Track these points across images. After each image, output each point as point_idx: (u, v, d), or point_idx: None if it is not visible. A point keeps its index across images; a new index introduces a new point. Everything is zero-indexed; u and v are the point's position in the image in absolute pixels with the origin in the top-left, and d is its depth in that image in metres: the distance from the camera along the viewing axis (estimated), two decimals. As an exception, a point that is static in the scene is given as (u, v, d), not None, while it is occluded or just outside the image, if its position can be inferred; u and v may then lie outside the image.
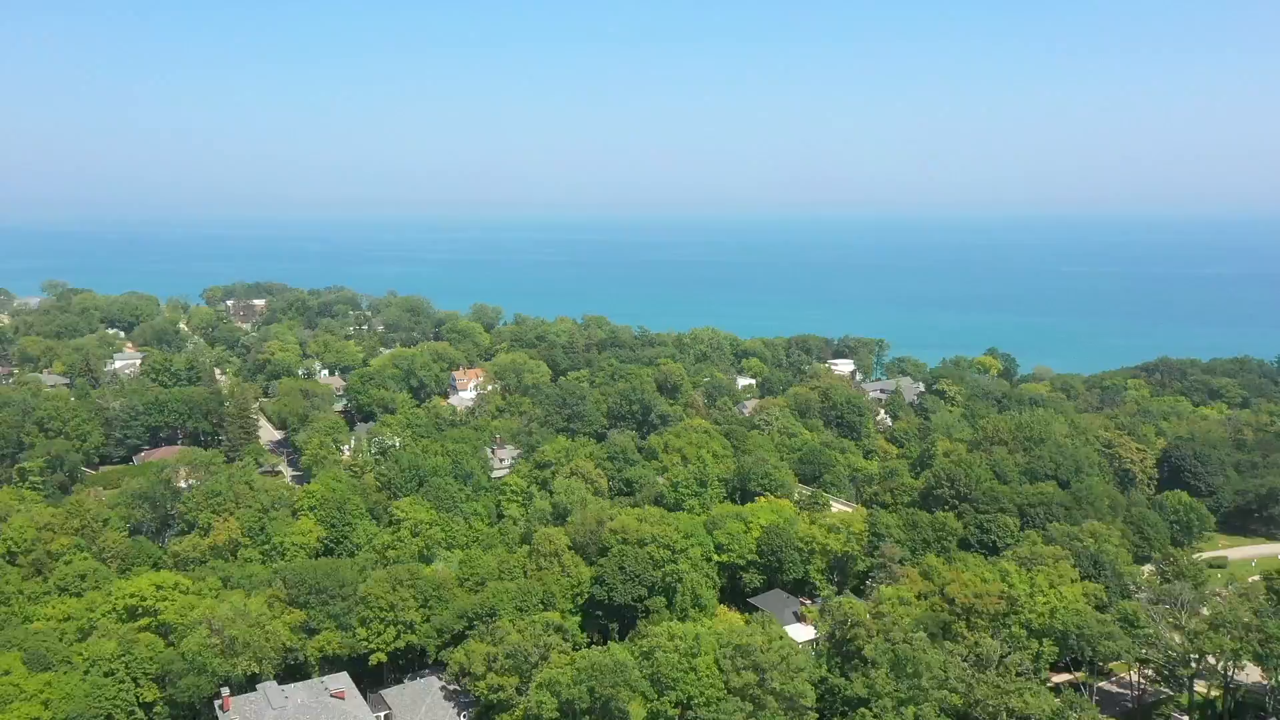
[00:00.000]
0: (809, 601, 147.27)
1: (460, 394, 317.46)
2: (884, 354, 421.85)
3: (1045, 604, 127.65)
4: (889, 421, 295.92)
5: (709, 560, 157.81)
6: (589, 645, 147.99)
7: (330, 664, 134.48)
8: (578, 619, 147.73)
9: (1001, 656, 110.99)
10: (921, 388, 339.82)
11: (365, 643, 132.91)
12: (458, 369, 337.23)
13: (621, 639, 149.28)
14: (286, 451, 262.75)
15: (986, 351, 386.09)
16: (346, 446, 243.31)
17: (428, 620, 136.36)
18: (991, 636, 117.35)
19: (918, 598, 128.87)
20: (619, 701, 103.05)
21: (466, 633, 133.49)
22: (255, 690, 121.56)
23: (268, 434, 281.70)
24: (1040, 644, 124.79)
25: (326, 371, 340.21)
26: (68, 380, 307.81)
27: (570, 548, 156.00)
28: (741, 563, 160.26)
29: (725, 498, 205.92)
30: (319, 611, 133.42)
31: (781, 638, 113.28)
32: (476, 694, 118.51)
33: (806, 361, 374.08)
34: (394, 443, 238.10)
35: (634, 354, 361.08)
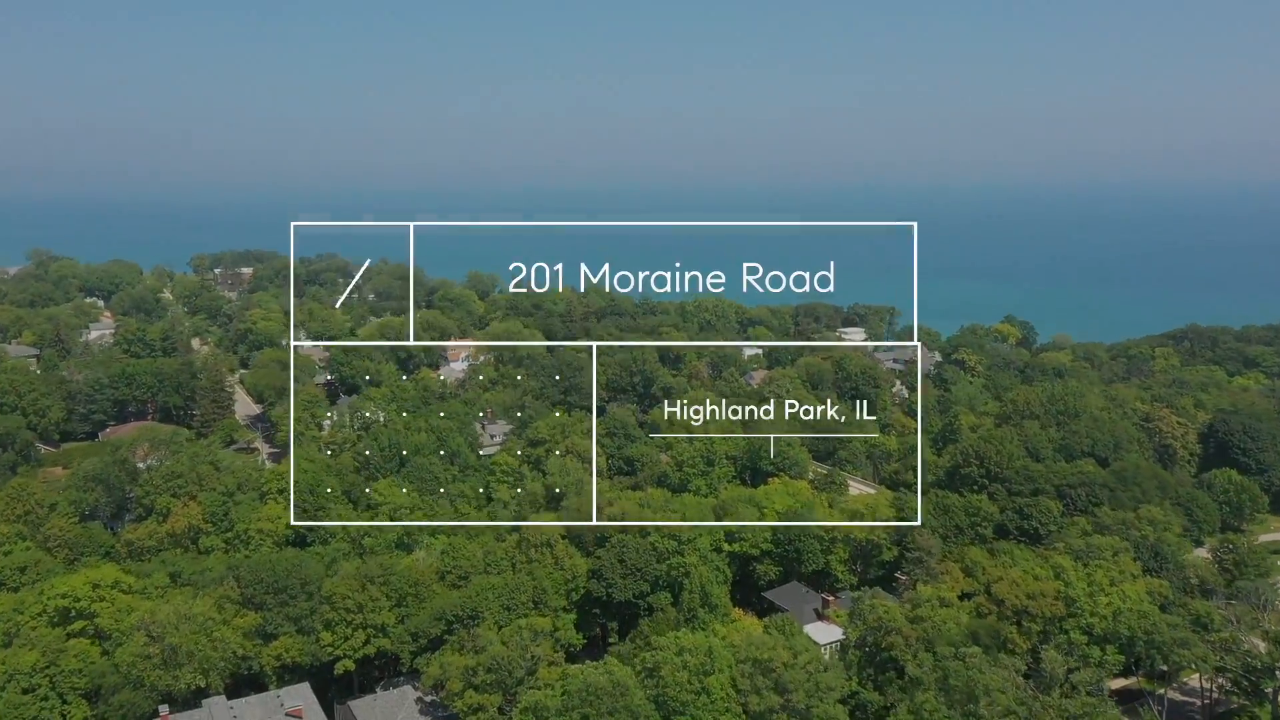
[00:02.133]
0: (832, 598, 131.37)
1: (451, 365, 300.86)
2: (895, 322, 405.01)
3: (1108, 605, 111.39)
4: (905, 394, 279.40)
5: (719, 551, 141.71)
6: (584, 645, 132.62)
7: (292, 673, 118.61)
8: (572, 617, 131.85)
9: (1068, 672, 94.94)
10: (938, 357, 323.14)
11: (330, 649, 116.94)
12: (449, 339, 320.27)
13: (622, 638, 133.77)
14: (264, 427, 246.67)
15: (1003, 319, 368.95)
16: (327, 421, 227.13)
17: (402, 622, 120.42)
18: (1054, 647, 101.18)
19: (960, 598, 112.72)
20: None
21: (445, 637, 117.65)
22: (200, 707, 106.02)
23: (247, 408, 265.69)
24: (1103, 652, 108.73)
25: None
26: (37, 351, 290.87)
27: (564, 537, 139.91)
28: (755, 553, 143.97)
29: (734, 477, 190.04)
30: (277, 613, 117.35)
31: (807, 650, 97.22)
32: (454, 710, 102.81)
33: (815, 330, 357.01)
34: (378, 417, 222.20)
35: (635, 323, 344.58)
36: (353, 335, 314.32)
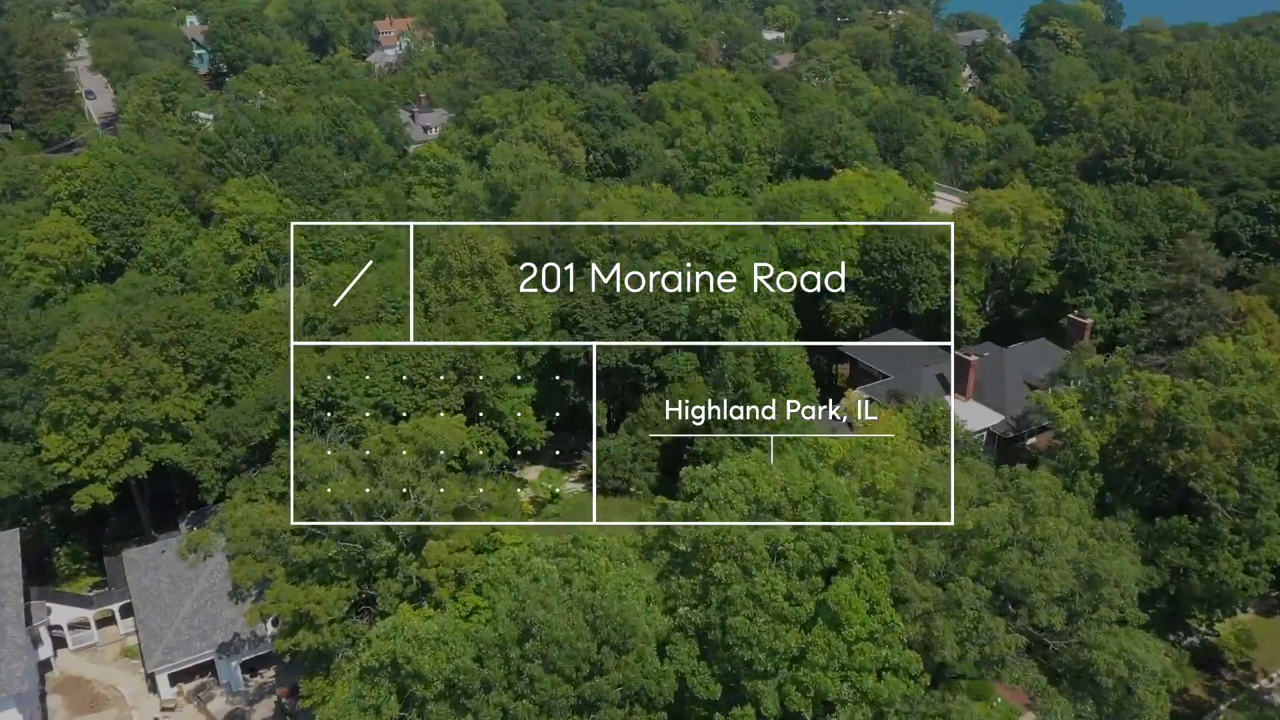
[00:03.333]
0: (974, 357, 76.58)
1: (384, 51, 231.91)
2: (942, 7, 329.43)
3: None
4: (977, 80, 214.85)
5: (772, 280, 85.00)
6: (551, 437, 79.81)
7: (4, 506, 64.89)
8: (529, 392, 77.46)
9: None
10: (1009, 39, 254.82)
11: (62, 465, 62.14)
12: (383, 19, 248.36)
13: (614, 428, 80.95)
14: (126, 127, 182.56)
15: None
16: (205, 115, 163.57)
17: (202, 416, 65.24)
18: None
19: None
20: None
21: (280, 443, 62.84)
22: None
23: (108, 105, 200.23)
24: None
25: (195, 21, 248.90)
26: None
27: (514, 261, 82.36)
28: (832, 284, 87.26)
29: (772, 176, 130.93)
30: (-55, 406, 61.81)
31: (1040, 484, 42.45)
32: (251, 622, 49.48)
33: (852, 6, 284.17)
34: (266, 103, 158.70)
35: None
36: None
